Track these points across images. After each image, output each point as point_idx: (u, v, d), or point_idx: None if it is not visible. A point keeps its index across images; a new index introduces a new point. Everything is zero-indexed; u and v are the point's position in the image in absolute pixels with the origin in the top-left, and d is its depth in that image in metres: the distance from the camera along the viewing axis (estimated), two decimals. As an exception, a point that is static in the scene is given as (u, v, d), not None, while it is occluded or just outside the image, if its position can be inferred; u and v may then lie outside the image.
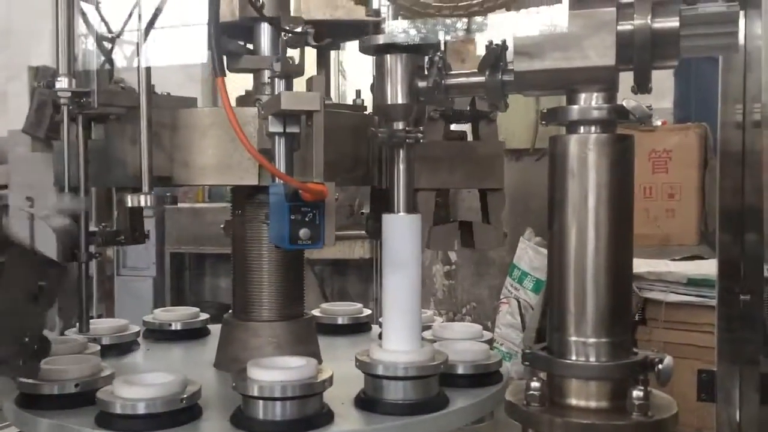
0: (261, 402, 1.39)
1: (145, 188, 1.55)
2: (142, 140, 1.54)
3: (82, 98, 1.57)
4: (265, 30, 1.81)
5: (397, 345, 1.54)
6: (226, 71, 1.35)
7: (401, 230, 1.54)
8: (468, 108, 1.81)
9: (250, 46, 1.86)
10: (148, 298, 6.01)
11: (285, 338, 1.80)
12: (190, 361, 1.98)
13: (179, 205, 6.22)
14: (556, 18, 1.38)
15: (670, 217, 4.78)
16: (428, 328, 2.07)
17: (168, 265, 6.18)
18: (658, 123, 4.92)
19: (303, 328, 1.85)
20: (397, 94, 1.54)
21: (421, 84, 1.53)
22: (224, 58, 1.35)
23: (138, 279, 6.06)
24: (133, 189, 1.91)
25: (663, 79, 5.31)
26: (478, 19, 1.51)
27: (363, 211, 4.36)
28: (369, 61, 1.61)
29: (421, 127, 1.55)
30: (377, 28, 1.61)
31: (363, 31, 1.67)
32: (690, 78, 5.36)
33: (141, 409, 1.39)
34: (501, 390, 1.71)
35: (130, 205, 1.53)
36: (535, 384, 1.43)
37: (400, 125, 1.55)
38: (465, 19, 1.51)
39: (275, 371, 1.41)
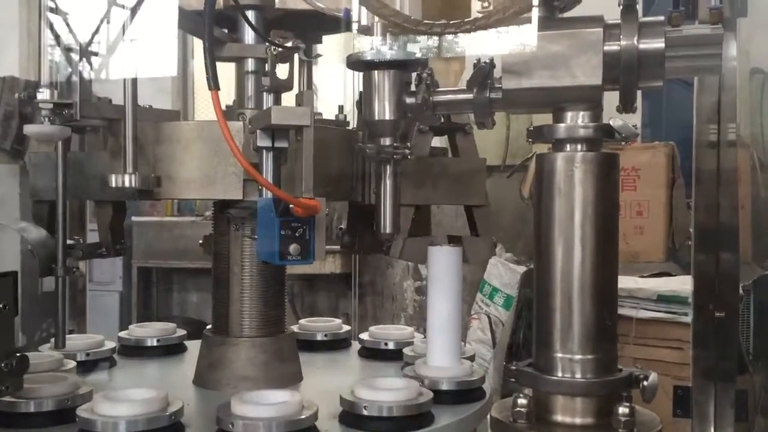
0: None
1: (129, 167, 1.52)
2: (127, 131, 1.52)
3: (64, 110, 1.55)
4: (250, 18, 1.76)
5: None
6: (220, 85, 1.34)
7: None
8: (442, 121, 1.82)
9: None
10: (114, 314, 5.93)
11: (267, 355, 1.78)
12: (168, 377, 1.95)
13: (146, 218, 6.16)
14: (525, 38, 1.40)
15: (638, 234, 4.84)
16: (409, 344, 2.08)
17: (135, 280, 6.10)
18: (628, 143, 5.00)
19: (285, 345, 1.84)
20: (385, 110, 1.55)
21: (409, 100, 1.54)
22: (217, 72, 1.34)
23: (104, 293, 5.98)
24: (113, 204, 1.91)
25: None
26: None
27: (341, 226, 4.35)
28: (340, 77, 1.61)
29: (408, 143, 1.55)
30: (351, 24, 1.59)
31: (342, 24, 1.65)
32: (661, 98, 5.47)
33: (122, 428, 1.36)
34: (484, 407, 1.71)
35: (113, 184, 1.50)
36: (521, 401, 1.44)
37: (387, 141, 1.56)
38: (449, 37, 1.53)
39: (260, 407, 1.39)
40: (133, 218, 6.03)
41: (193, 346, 2.04)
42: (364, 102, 1.57)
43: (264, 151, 1.47)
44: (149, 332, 2.13)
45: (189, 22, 1.68)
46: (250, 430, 1.34)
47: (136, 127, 1.59)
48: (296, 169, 1.39)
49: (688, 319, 3.70)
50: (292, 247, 1.29)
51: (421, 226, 1.98)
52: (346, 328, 2.27)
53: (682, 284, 3.92)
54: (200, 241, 2.04)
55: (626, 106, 1.43)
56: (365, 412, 1.43)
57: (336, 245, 2.23)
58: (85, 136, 1.83)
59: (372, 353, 2.13)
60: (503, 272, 5.03)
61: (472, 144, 1.93)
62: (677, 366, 3.64)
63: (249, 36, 1.78)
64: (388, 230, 1.59)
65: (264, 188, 1.46)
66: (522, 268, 4.79)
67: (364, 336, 2.17)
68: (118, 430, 1.36)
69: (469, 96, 1.49)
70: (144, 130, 1.64)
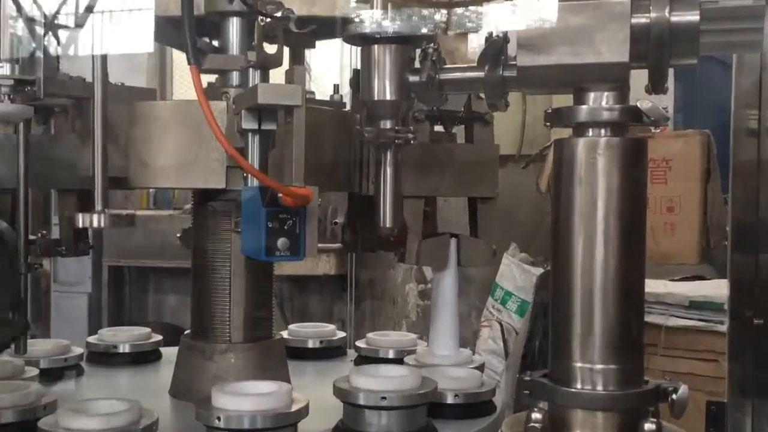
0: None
1: (98, 205, 1.53)
2: (96, 138, 1.52)
3: (26, 87, 1.55)
4: (234, 26, 1.74)
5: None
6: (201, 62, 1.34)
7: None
8: (462, 109, 1.82)
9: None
10: (82, 318, 5.93)
11: (252, 363, 1.78)
12: (141, 388, 1.96)
13: (119, 211, 6.16)
14: (544, 9, 1.39)
15: (669, 233, 4.85)
16: (411, 353, 2.08)
17: (106, 280, 6.11)
18: (658, 129, 4.99)
19: (272, 352, 1.84)
20: (385, 89, 1.55)
21: (413, 79, 1.53)
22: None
23: (72, 295, 5.98)
24: (78, 194, 1.90)
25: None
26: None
27: (336, 220, 4.34)
28: (336, 60, 1.61)
29: (411, 127, 1.55)
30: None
31: (341, 29, 1.66)
32: (694, 79, 5.47)
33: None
34: (494, 422, 1.71)
35: (80, 225, 1.51)
36: (536, 415, 1.44)
37: (388, 124, 1.55)
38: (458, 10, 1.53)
39: (244, 399, 1.40)
40: (122, 226, 6.04)
41: (170, 354, 2.05)
42: (362, 80, 1.57)
43: (249, 135, 1.47)
44: (121, 337, 2.13)
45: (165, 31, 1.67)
46: (233, 423, 1.34)
47: (107, 107, 1.58)
48: (285, 155, 1.39)
49: (724, 327, 3.71)
50: (281, 242, 1.29)
51: (428, 223, 1.99)
52: (340, 334, 2.28)
53: (717, 289, 3.92)
54: (178, 235, 2.05)
55: (656, 86, 1.43)
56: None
57: (331, 243, 2.24)
58: (52, 120, 1.83)
59: (370, 362, 2.12)
60: (517, 274, 5.03)
61: (490, 135, 1.93)
62: (710, 380, 3.65)
63: (235, 45, 1.74)
64: (388, 224, 1.59)
65: (250, 176, 1.46)
66: (538, 270, 4.79)
67: (361, 343, 2.17)
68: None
69: (480, 74, 1.48)
70: (116, 111, 1.64)
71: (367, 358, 2.13)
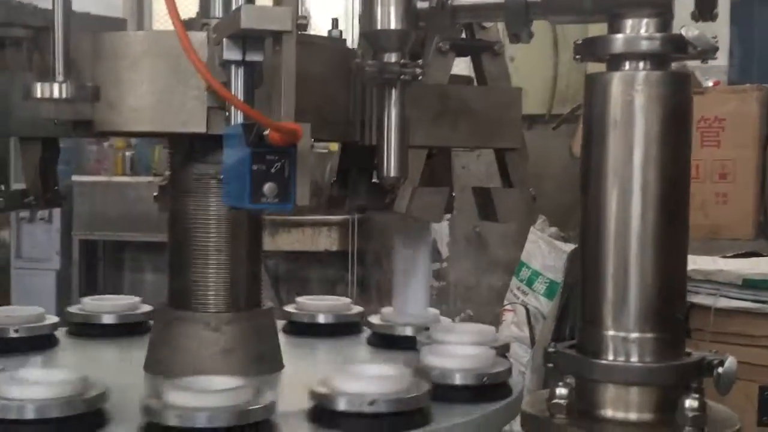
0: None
1: (60, 75, 1.50)
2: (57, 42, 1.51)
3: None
4: None
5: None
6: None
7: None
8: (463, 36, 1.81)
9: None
10: (50, 297, 5.97)
11: (235, 335, 1.79)
12: (117, 362, 1.97)
13: (91, 178, 6.18)
14: None
15: (721, 204, 4.83)
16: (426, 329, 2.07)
17: (76, 256, 6.14)
18: (709, 83, 4.97)
19: (261, 322, 1.84)
20: (389, 16, 1.53)
21: (422, 4, 1.52)
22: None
23: (37, 273, 6.02)
24: (43, 142, 1.91)
25: (716, 27, 5.39)
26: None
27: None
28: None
29: (419, 61, 1.54)
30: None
31: None
32: (752, 27, 5.42)
33: (28, 411, 1.35)
34: (509, 406, 1.70)
35: (38, 95, 1.50)
36: (561, 390, 1.44)
37: (393, 57, 1.54)
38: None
39: (199, 395, 1.38)
40: (74, 177, 6.05)
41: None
42: (363, 8, 1.55)
43: (233, 67, 1.46)
44: (104, 307, 2.15)
45: None
46: (185, 421, 1.33)
47: (69, 38, 1.58)
48: (273, 92, 1.38)
49: (783, 309, 3.71)
50: (267, 187, 1.28)
51: (438, 178, 1.98)
52: (356, 309, 2.28)
53: (776, 266, 3.92)
54: (155, 194, 2.05)
55: (704, 11, 1.41)
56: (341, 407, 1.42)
57: (329, 216, 2.25)
58: (4, 53, 1.83)
59: (385, 341, 2.12)
60: (546, 251, 5.02)
61: (503, 69, 1.92)
62: (765, 369, 3.64)
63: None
64: (392, 173, 1.58)
65: (233, 115, 1.45)
66: (569, 247, 4.77)
67: (375, 319, 2.17)
68: (22, 413, 1.35)
69: (500, -1, 1.47)
70: (80, 43, 1.63)
71: (382, 337, 2.13)
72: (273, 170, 1.29)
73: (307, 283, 6.08)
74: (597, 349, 1.45)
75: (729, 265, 3.93)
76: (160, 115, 1.64)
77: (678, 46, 1.41)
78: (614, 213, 1.43)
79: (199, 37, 1.61)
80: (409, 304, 2.13)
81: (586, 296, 1.48)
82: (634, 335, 1.42)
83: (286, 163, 1.30)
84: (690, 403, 1.38)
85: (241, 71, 1.45)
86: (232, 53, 1.42)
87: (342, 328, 2.23)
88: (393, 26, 1.53)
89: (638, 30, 1.42)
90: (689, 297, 3.93)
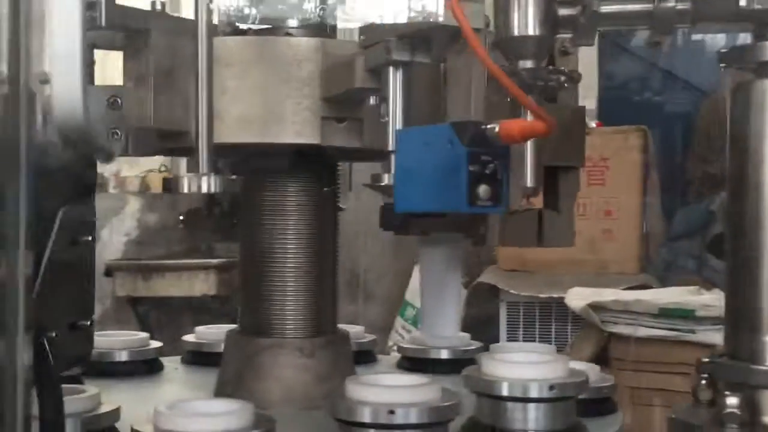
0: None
1: (203, 167, 1.42)
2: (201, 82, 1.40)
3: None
4: None
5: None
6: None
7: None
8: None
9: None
10: None
11: (329, 360, 1.69)
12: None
13: None
14: None
15: (607, 240, 5.01)
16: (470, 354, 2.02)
17: None
18: (592, 124, 5.17)
19: (338, 348, 1.75)
20: (528, 22, 1.49)
21: (564, 11, 1.49)
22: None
23: None
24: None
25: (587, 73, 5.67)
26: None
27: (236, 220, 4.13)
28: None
29: (563, 68, 1.51)
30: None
31: None
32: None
33: None
34: (611, 423, 1.68)
35: (186, 190, 1.42)
36: (732, 400, 1.42)
37: (528, 64, 1.50)
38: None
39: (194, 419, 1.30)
40: None
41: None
42: (497, 11, 1.51)
43: (390, 70, 1.38)
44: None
45: None
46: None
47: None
48: (456, 95, 1.32)
49: (696, 337, 3.88)
50: (482, 189, 1.21)
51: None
52: (370, 337, 2.19)
53: (682, 295, 4.11)
54: (181, 217, 1.93)
55: None
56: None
57: (207, 259, 2.17)
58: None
59: (418, 365, 2.04)
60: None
61: (575, 95, 1.90)
62: (682, 395, 3.79)
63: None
64: (531, 182, 1.53)
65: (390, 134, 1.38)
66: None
67: (405, 343, 2.10)
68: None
69: (649, 6, 1.46)
70: (177, 48, 1.51)
71: (414, 361, 2.05)
72: (487, 171, 1.22)
73: (180, 332, 5.82)
74: (757, 356, 1.44)
75: (645, 296, 4.09)
76: (269, 125, 1.54)
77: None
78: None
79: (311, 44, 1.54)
80: (439, 327, 2.04)
81: (734, 301, 1.48)
82: (800, 339, 1.43)
83: (499, 164, 1.23)
84: None
85: (399, 74, 1.38)
86: (401, 54, 1.34)
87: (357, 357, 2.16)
88: (530, 32, 1.49)
89: (786, 38, 1.44)
90: (610, 327, 4.06)
